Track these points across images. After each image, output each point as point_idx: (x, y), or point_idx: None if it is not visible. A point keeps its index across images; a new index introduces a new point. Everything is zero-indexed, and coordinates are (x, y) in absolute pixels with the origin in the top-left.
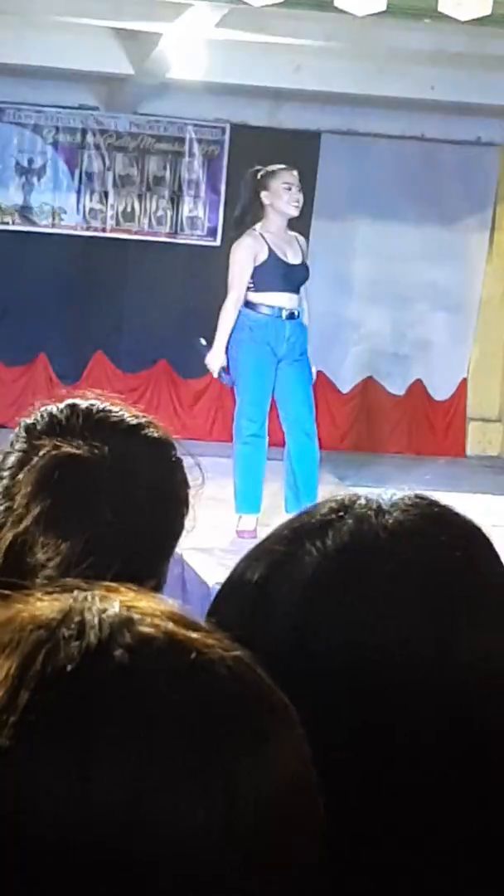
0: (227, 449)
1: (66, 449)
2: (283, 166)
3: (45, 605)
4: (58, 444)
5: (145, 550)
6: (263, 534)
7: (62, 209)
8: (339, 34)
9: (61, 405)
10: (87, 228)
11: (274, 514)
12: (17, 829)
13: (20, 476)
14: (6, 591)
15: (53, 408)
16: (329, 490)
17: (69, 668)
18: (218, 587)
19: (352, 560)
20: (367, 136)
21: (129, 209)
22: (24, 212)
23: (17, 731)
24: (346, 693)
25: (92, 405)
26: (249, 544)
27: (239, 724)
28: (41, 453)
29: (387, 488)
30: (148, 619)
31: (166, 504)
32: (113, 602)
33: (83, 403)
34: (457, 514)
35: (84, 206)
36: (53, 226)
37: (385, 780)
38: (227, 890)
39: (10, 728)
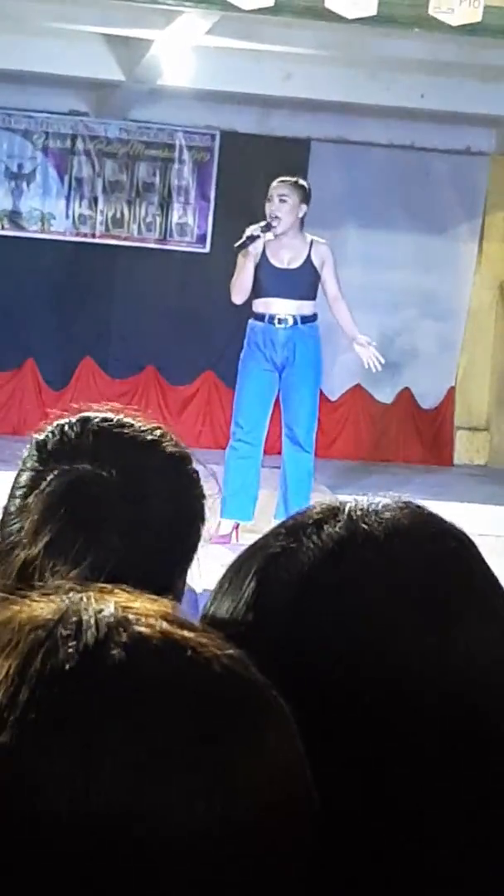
0: (215, 455)
1: (75, 475)
2: (279, 178)
3: (42, 606)
4: (66, 468)
5: (158, 569)
6: (251, 541)
7: (51, 214)
8: (329, 42)
9: (73, 420)
10: (77, 234)
11: (262, 522)
12: (20, 825)
13: (30, 500)
14: (4, 594)
15: (66, 423)
16: (317, 498)
17: (68, 666)
18: (206, 594)
19: (348, 554)
20: (356, 145)
21: (118, 215)
22: (14, 217)
23: (19, 729)
24: (342, 684)
25: (105, 421)
26: (225, 550)
27: (236, 720)
28: (49, 478)
29: (376, 495)
30: (143, 618)
31: (182, 521)
32: (108, 603)
33: (95, 418)
34: (442, 518)
35: (73, 212)
36: (43, 231)
37: (381, 774)
38: (226, 881)
39: (11, 726)
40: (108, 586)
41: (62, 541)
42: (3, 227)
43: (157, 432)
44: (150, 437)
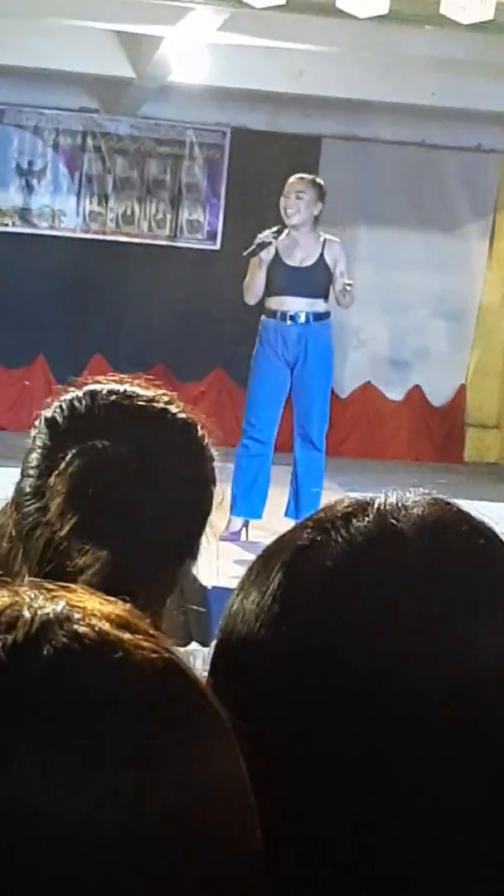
0: (224, 454)
1: (94, 454)
2: (297, 175)
3: None
4: (84, 447)
5: (179, 535)
6: (262, 538)
7: (62, 212)
8: (340, 39)
9: (80, 394)
10: (87, 231)
11: (272, 521)
12: None
13: (51, 480)
14: None
15: (73, 398)
16: (328, 496)
17: None
18: (216, 591)
19: (378, 548)
20: (367, 142)
21: (129, 212)
22: (24, 214)
23: None
24: (365, 678)
25: (112, 393)
26: (235, 547)
27: (161, 725)
28: (68, 457)
29: (406, 490)
30: (85, 618)
31: (197, 488)
32: (57, 601)
33: (103, 390)
34: (471, 515)
35: (84, 209)
36: (53, 228)
37: (388, 773)
38: (148, 889)
39: None
40: (71, 585)
41: (88, 522)
42: (13, 224)
43: (164, 399)
44: (159, 407)
